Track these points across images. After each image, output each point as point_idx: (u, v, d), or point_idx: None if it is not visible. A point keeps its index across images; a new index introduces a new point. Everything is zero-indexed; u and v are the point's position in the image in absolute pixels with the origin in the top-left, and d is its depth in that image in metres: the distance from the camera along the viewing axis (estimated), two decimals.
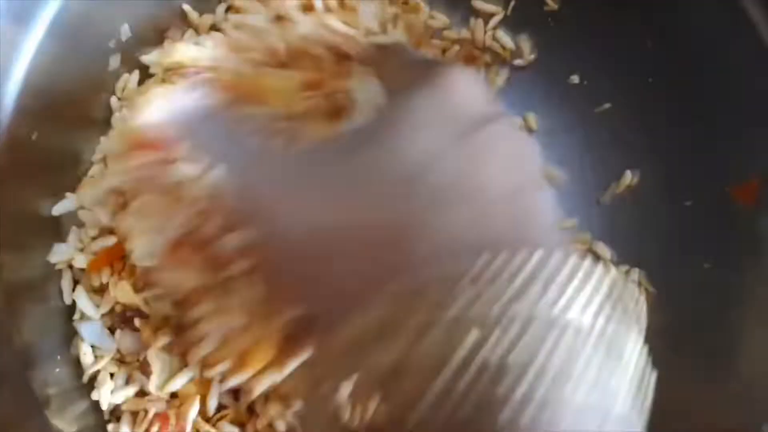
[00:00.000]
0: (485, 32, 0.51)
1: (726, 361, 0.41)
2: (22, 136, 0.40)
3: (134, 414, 0.41)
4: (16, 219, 0.40)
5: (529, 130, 0.50)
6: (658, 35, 0.46)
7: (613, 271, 0.24)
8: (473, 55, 0.50)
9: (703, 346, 0.43)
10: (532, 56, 0.51)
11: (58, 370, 0.41)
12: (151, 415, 0.40)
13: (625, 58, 0.48)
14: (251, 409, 0.41)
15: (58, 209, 0.43)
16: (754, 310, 0.41)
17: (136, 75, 0.46)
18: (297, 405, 0.38)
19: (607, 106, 0.50)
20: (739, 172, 0.42)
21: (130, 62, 0.46)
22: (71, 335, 0.42)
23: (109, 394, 0.41)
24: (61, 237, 0.43)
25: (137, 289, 0.41)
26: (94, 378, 0.42)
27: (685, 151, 0.46)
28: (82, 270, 0.43)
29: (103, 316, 0.42)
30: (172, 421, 0.39)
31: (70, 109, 0.43)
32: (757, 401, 0.39)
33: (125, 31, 0.45)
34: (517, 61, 0.51)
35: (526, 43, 0.51)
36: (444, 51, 0.50)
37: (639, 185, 0.49)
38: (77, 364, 0.42)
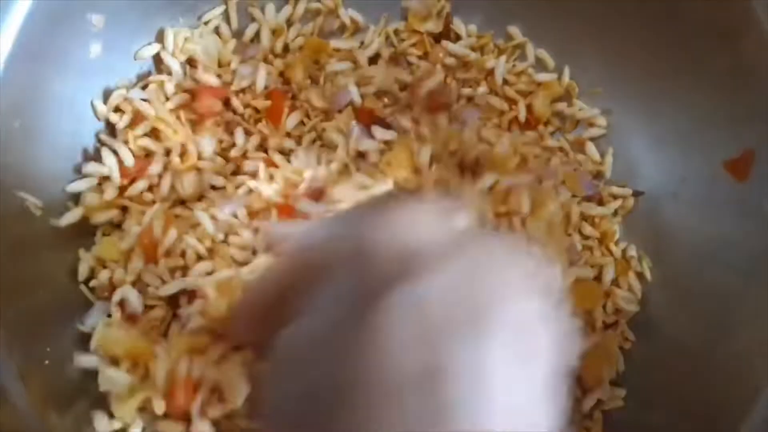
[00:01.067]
0: None
1: (723, 331, 0.42)
2: (4, 124, 0.39)
3: None
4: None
5: None
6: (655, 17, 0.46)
7: None
8: None
9: (701, 317, 0.44)
10: None
11: None
12: None
13: (620, 40, 0.48)
14: None
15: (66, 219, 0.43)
16: (751, 279, 0.41)
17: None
18: None
19: (599, 89, 0.50)
20: (732, 148, 0.43)
21: (112, 51, 0.45)
22: None
23: None
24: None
25: None
26: None
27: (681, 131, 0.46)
28: None
29: None
30: None
31: (52, 97, 0.42)
32: (754, 371, 0.39)
33: (106, 18, 0.43)
34: None
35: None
36: None
37: None
38: None
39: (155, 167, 0.45)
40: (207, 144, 0.46)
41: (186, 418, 0.41)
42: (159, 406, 0.40)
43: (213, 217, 0.43)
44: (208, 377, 0.41)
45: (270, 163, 0.46)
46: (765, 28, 0.40)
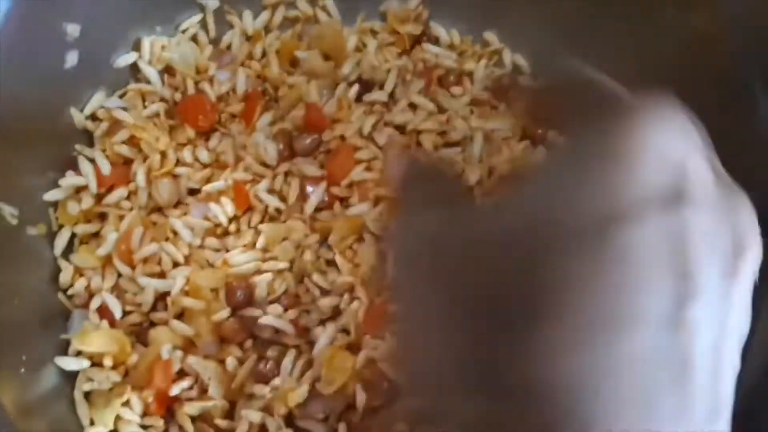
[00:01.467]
0: None
1: None
2: None
3: None
4: None
5: None
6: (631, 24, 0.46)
7: None
8: None
9: None
10: None
11: None
12: None
13: (596, 46, 0.48)
14: None
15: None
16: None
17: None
18: None
19: None
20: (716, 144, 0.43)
21: (88, 60, 0.45)
22: None
23: None
24: None
25: None
26: None
27: None
28: None
29: None
30: None
31: (29, 106, 0.42)
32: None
33: (82, 28, 0.44)
34: None
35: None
36: None
37: None
38: None
39: (134, 175, 0.45)
40: (185, 150, 0.46)
41: (164, 413, 0.41)
42: (137, 406, 0.40)
43: (187, 225, 0.44)
44: (192, 369, 0.41)
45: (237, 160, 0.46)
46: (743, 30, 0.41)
